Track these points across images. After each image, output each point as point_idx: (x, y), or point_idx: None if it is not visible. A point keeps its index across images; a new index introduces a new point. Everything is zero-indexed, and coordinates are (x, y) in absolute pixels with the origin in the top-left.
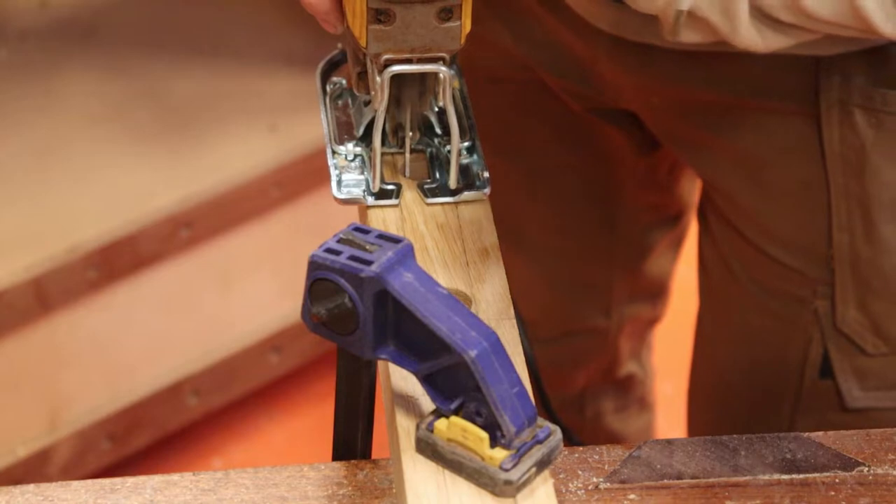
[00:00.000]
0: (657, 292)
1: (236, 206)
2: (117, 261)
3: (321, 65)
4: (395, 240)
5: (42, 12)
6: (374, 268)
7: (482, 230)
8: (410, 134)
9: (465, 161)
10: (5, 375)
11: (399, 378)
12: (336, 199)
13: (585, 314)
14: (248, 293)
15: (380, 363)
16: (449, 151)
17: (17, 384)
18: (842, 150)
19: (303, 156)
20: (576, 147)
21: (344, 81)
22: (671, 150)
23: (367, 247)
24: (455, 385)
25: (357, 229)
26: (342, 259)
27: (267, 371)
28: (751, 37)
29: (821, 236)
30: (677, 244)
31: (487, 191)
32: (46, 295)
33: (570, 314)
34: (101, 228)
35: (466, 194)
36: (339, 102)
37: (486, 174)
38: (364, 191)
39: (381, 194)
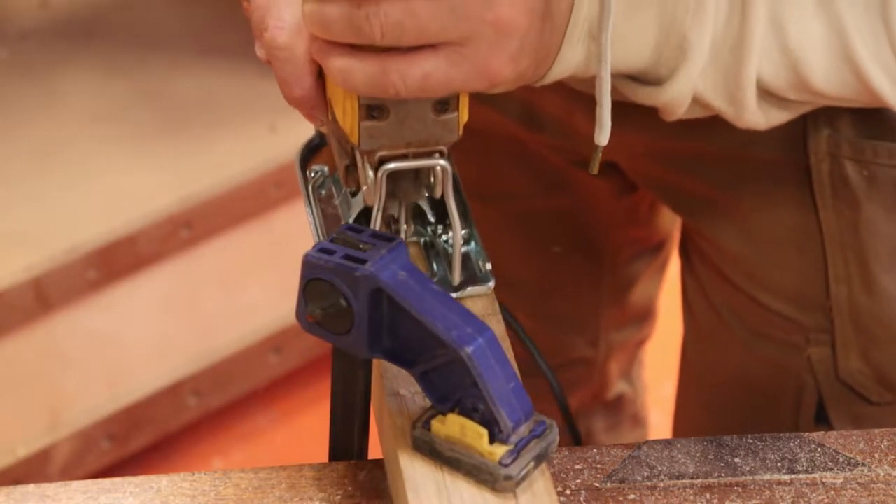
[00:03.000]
0: (644, 316)
1: (236, 206)
2: (117, 261)
3: (299, 151)
4: (388, 238)
5: (42, 12)
6: (368, 266)
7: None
8: (405, 227)
9: (463, 250)
10: (5, 375)
11: (392, 376)
12: None
13: (573, 346)
14: (248, 293)
15: (372, 363)
16: (445, 241)
17: (17, 384)
18: (834, 203)
19: None
20: (556, 192)
21: (326, 169)
22: (654, 195)
23: (361, 246)
24: (451, 382)
25: (350, 229)
26: (336, 258)
27: (267, 371)
28: (755, 118)
29: (815, 286)
30: (661, 269)
31: (492, 284)
32: (46, 295)
33: (558, 348)
34: (101, 228)
35: (470, 290)
36: (323, 192)
37: (489, 266)
38: None
39: None
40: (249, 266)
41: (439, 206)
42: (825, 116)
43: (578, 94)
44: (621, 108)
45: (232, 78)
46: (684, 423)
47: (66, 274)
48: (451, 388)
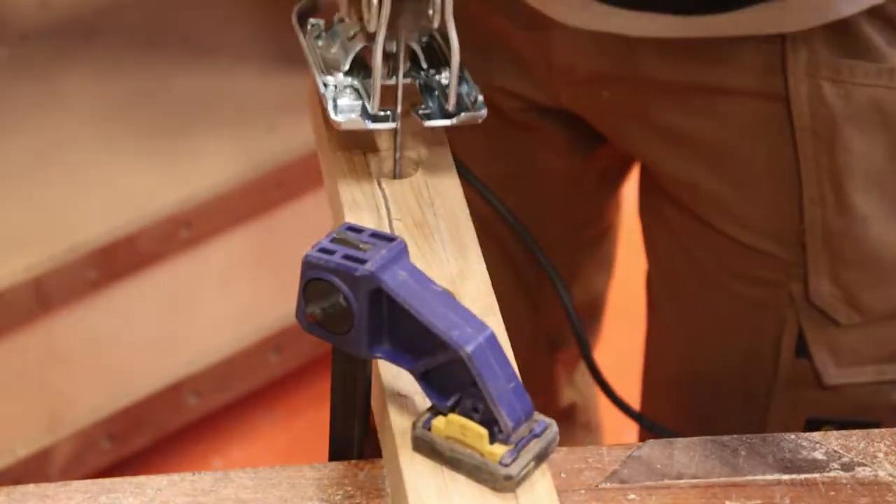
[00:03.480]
0: (589, 317)
1: (236, 206)
2: (117, 261)
3: (295, 9)
4: (388, 238)
5: (43, 12)
6: (368, 266)
7: (459, 225)
8: (403, 63)
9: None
10: (5, 375)
11: (392, 376)
12: (334, 122)
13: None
14: (248, 293)
15: (372, 363)
16: (440, 81)
17: (17, 384)
18: (812, 124)
19: (303, 156)
20: (504, 157)
21: (322, 23)
22: (620, 145)
23: (361, 246)
24: (451, 382)
25: (350, 228)
26: (336, 258)
27: (267, 371)
28: None
29: (792, 215)
30: (608, 265)
31: (484, 112)
32: (46, 295)
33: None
34: (101, 228)
35: (464, 115)
36: (320, 43)
37: (481, 98)
38: (361, 115)
39: (378, 118)
40: (249, 266)
41: (431, 52)
42: (804, 40)
43: (553, 30)
44: (599, 42)
45: (232, 78)
46: (657, 377)
47: (66, 274)
48: (452, 387)
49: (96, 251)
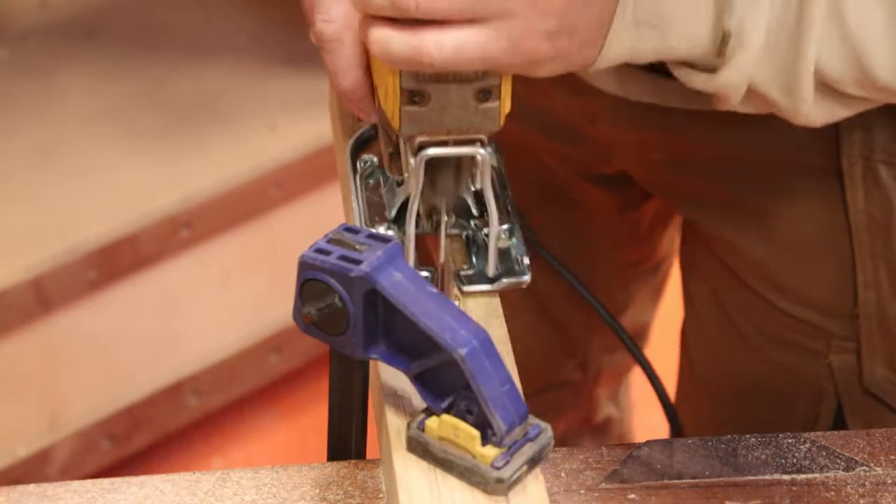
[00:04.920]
0: (636, 343)
1: (236, 206)
2: (117, 261)
3: (350, 141)
4: (384, 239)
5: (42, 12)
6: (363, 267)
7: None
8: (445, 218)
9: (503, 245)
10: (5, 375)
11: (389, 377)
12: None
13: (561, 369)
14: (248, 293)
15: (370, 363)
16: (486, 235)
17: (17, 384)
18: (867, 206)
19: (303, 156)
20: (557, 206)
21: (375, 159)
22: (667, 203)
23: (357, 246)
24: (446, 383)
25: (347, 229)
26: (332, 259)
27: (267, 371)
28: (812, 112)
29: (842, 291)
30: (657, 294)
31: (528, 278)
32: (46, 295)
33: (546, 369)
34: (101, 228)
35: (505, 281)
36: (371, 182)
37: (527, 260)
38: None
39: None
40: (249, 266)
41: (484, 201)
42: (858, 120)
43: (602, 99)
44: (648, 113)
45: (232, 78)
46: (686, 428)
47: (66, 274)
48: (446, 389)
49: (96, 251)
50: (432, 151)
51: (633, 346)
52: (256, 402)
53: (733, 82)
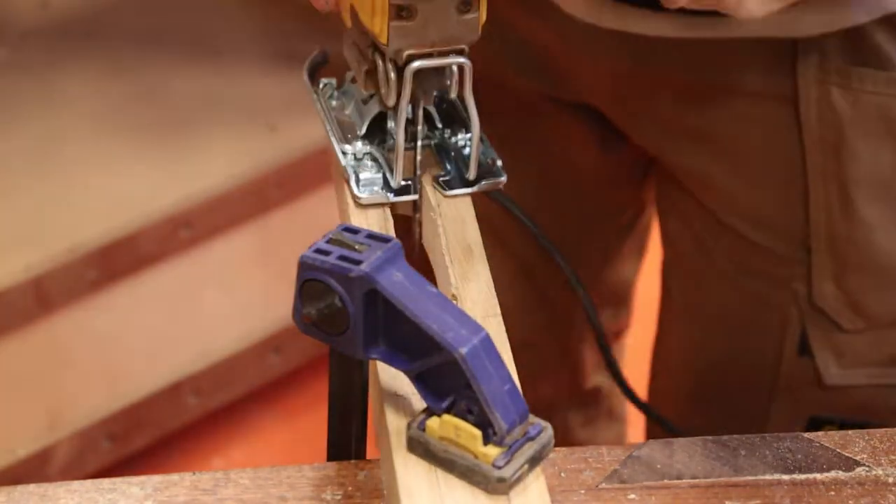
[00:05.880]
0: (619, 302)
1: (236, 206)
2: (117, 261)
3: (306, 66)
4: (384, 239)
5: (43, 12)
6: (363, 267)
7: (465, 227)
8: (420, 127)
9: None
10: (5, 375)
11: (389, 377)
12: (357, 199)
13: (545, 325)
14: (248, 293)
15: (370, 363)
16: (456, 143)
17: (17, 384)
18: (820, 129)
19: (303, 156)
20: (536, 145)
21: (334, 81)
22: (637, 139)
23: (357, 247)
24: (446, 383)
25: (346, 229)
26: (331, 259)
27: (267, 371)
28: (753, 5)
29: (798, 216)
30: (639, 250)
31: (504, 178)
32: (46, 295)
33: (528, 325)
34: (101, 228)
35: (485, 183)
36: (333, 103)
37: (500, 162)
38: (383, 188)
39: (401, 190)
40: (249, 266)
41: (445, 112)
42: (816, 46)
43: (573, 28)
44: (617, 41)
45: (232, 78)
46: (664, 364)
47: (66, 274)
48: (446, 389)
49: (96, 251)
50: (419, 63)
51: (591, 309)
52: (256, 402)
53: None
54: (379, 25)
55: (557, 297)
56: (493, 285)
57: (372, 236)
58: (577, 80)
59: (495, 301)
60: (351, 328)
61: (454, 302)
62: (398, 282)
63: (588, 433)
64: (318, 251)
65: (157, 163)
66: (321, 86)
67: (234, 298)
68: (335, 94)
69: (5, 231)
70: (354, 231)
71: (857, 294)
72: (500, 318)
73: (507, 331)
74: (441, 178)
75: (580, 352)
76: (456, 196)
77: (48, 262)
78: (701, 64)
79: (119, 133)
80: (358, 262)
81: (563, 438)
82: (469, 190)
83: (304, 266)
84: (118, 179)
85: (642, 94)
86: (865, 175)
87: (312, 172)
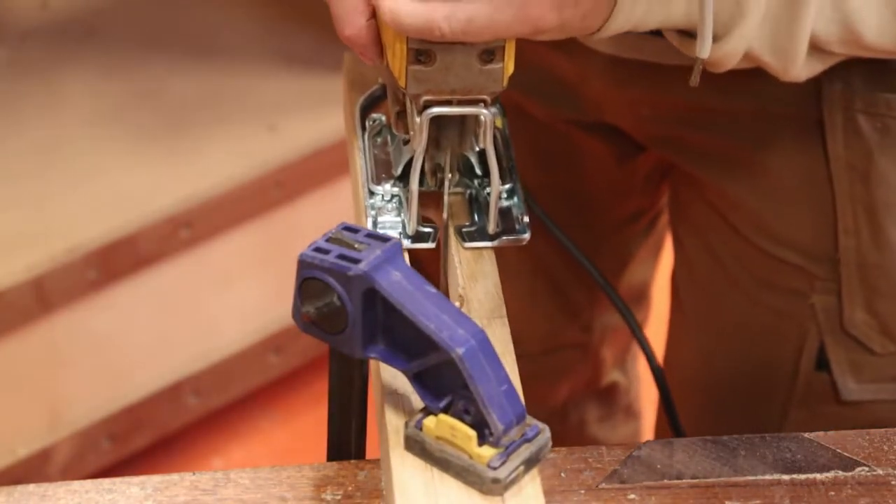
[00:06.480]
0: (637, 300)
1: (236, 206)
2: (117, 261)
3: (360, 100)
4: (383, 238)
5: (43, 12)
6: (361, 266)
7: None
8: (449, 175)
9: (505, 204)
10: (5, 375)
11: (389, 376)
12: None
13: (566, 329)
14: (249, 293)
15: (371, 362)
16: (488, 194)
17: (17, 384)
18: (846, 155)
19: (303, 156)
20: (552, 163)
21: (384, 118)
22: (659, 154)
23: (356, 245)
24: (443, 383)
25: (346, 228)
26: (330, 258)
27: (267, 371)
28: (799, 71)
29: (824, 237)
30: (656, 251)
31: (527, 236)
32: (46, 295)
33: (551, 330)
34: (101, 228)
35: (505, 239)
36: (378, 140)
37: (526, 219)
38: (400, 233)
39: (418, 237)
40: (249, 266)
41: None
42: (838, 71)
43: (592, 58)
44: (638, 70)
45: (232, 78)
46: (675, 376)
47: (66, 274)
48: (444, 389)
49: (96, 251)
50: (436, 110)
51: (622, 307)
52: (256, 402)
53: (732, 51)
54: (398, 68)
55: (578, 299)
56: (500, 286)
57: (371, 236)
58: (597, 106)
59: (502, 302)
60: (350, 327)
61: (461, 302)
62: (396, 281)
63: (605, 430)
64: (318, 250)
65: (157, 163)
66: (373, 121)
67: (234, 298)
68: (383, 130)
69: (5, 231)
70: (354, 230)
71: (888, 318)
72: (505, 320)
73: (532, 335)
74: (464, 230)
75: (599, 350)
76: (475, 248)
77: (48, 262)
78: (721, 90)
79: (119, 133)
80: (357, 261)
81: (580, 434)
82: (488, 244)
83: (303, 264)
84: (118, 179)
85: (665, 119)
86: (894, 200)
87: (312, 172)
